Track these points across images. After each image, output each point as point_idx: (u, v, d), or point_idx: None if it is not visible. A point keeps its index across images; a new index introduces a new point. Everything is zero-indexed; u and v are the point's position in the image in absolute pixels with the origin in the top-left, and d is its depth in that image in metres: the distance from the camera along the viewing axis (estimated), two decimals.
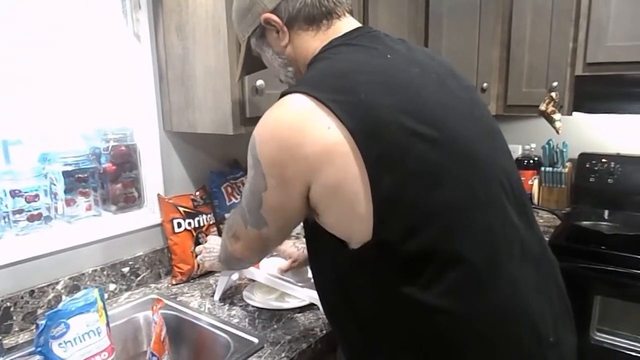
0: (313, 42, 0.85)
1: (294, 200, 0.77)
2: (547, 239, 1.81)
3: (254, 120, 1.22)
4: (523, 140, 2.37)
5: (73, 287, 1.23)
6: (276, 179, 0.76)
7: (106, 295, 1.28)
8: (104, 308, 0.97)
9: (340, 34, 0.84)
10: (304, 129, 0.71)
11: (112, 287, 1.32)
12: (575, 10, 1.88)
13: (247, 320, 1.17)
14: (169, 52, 1.32)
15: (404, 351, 0.76)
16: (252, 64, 1.00)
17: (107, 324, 0.97)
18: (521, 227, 0.80)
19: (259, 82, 1.19)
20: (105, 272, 1.30)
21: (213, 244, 1.19)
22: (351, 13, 0.88)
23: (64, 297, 1.20)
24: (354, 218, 0.72)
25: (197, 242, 1.43)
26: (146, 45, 1.34)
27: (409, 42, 0.87)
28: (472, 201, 0.74)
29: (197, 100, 1.27)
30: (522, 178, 2.23)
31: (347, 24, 0.86)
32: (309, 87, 0.73)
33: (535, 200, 2.25)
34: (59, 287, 1.20)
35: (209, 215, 1.49)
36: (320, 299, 0.92)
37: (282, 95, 0.76)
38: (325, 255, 0.84)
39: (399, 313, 0.75)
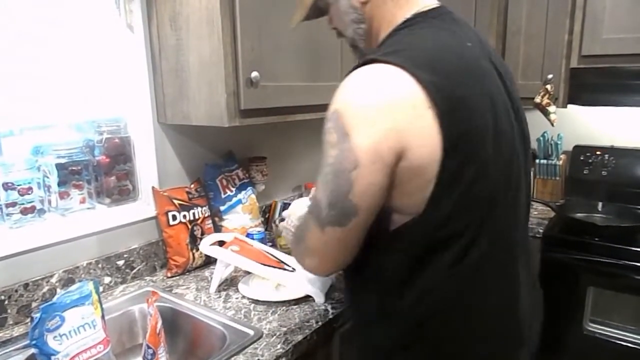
0: (394, 8, 0.83)
1: (385, 177, 0.71)
2: (541, 230, 1.82)
3: (249, 112, 1.23)
4: None
5: (68, 280, 1.22)
6: (369, 151, 0.69)
7: (101, 288, 1.28)
8: (99, 301, 0.97)
9: (422, 9, 0.82)
10: (400, 97, 0.69)
11: (107, 280, 1.31)
12: (571, 3, 1.87)
13: (242, 312, 1.18)
14: (162, 44, 1.31)
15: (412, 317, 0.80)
16: (312, 13, 0.95)
17: (103, 317, 0.97)
18: (524, 229, 0.87)
19: (254, 74, 1.19)
20: (100, 265, 1.29)
21: (292, 224, 1.05)
22: None
23: (58, 290, 1.20)
24: (417, 193, 0.72)
25: (192, 235, 1.43)
26: (139, 36, 1.33)
27: (470, 25, 0.87)
28: (503, 195, 0.78)
29: (191, 91, 1.26)
30: None
31: None
32: (404, 61, 0.70)
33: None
34: (53, 280, 1.19)
35: (204, 208, 1.49)
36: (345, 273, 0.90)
37: (371, 61, 0.73)
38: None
39: (421, 282, 0.77)
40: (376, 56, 0.73)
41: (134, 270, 1.38)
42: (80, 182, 1.28)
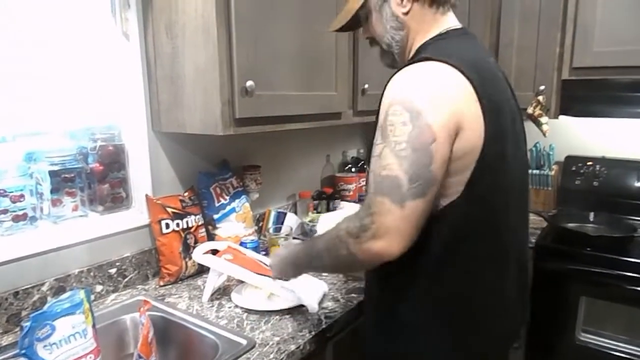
0: (431, 21, 0.97)
1: (448, 151, 0.82)
2: (533, 240, 1.83)
3: (244, 121, 1.23)
4: None
5: (59, 289, 1.21)
6: (442, 125, 0.80)
7: (92, 297, 1.27)
8: (90, 309, 0.96)
9: (453, 27, 0.98)
10: (458, 89, 0.82)
11: (98, 288, 1.30)
12: (562, 16, 1.91)
13: (235, 321, 1.17)
14: (158, 51, 1.32)
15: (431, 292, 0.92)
16: (351, 22, 1.05)
17: (94, 326, 0.96)
18: (525, 233, 1.03)
19: (249, 83, 1.19)
20: (91, 274, 1.28)
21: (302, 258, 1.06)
22: (454, 7, 1.01)
23: (49, 298, 1.18)
24: (459, 174, 0.84)
25: (185, 243, 1.42)
26: (135, 44, 1.33)
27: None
28: (518, 190, 0.95)
29: (186, 100, 1.26)
30: None
31: (453, 17, 1.00)
32: (456, 62, 0.83)
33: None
34: (44, 288, 1.18)
35: (197, 216, 1.49)
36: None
37: (426, 59, 0.85)
38: None
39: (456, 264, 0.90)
40: (431, 55, 0.86)
41: (126, 279, 1.37)
42: (73, 190, 1.27)
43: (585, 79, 1.89)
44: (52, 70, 1.23)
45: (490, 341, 0.96)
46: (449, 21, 0.98)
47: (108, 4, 1.29)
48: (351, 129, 2.29)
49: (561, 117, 2.04)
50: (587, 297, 1.73)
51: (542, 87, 1.96)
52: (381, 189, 0.82)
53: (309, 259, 1.01)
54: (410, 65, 0.86)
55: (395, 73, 0.88)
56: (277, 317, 1.19)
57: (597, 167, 2.16)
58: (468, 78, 0.82)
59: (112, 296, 1.32)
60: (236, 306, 1.24)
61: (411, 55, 1.00)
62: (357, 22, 1.05)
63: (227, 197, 1.56)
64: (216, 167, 1.62)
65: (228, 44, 1.17)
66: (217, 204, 1.54)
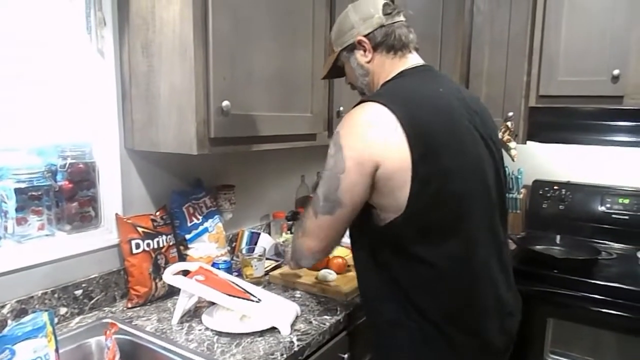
0: (389, 65, 1.15)
1: (365, 179, 0.98)
2: None
3: (219, 141, 1.23)
4: None
5: (20, 311, 1.16)
6: (354, 160, 0.98)
7: (56, 320, 1.22)
8: (54, 333, 0.92)
9: (410, 66, 1.14)
10: (379, 125, 0.98)
11: (63, 310, 1.26)
12: (529, 46, 2.00)
13: (205, 344, 1.15)
14: (133, 70, 1.31)
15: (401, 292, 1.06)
16: (335, 71, 1.27)
17: (57, 350, 0.92)
18: (501, 232, 1.14)
19: (225, 103, 1.20)
20: (56, 295, 1.24)
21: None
22: (417, 50, 1.18)
23: (9, 321, 1.13)
24: (397, 195, 0.98)
25: (156, 264, 1.39)
26: (110, 62, 1.32)
27: (452, 79, 1.24)
28: (465, 200, 1.03)
29: (160, 119, 1.26)
30: None
31: (414, 58, 1.16)
32: (386, 100, 1.00)
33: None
34: (4, 310, 1.13)
35: (169, 236, 1.46)
36: (356, 265, 1.17)
37: (364, 101, 1.03)
38: (363, 228, 1.09)
39: (407, 266, 1.04)
40: (365, 97, 1.07)
41: (93, 301, 1.33)
42: (40, 208, 1.23)
43: (550, 106, 1.98)
44: (22, 85, 1.21)
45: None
46: (408, 62, 1.15)
47: (83, 21, 1.28)
48: (326, 150, 2.30)
49: (529, 142, 2.12)
50: (554, 318, 1.77)
51: (510, 114, 2.03)
52: (312, 201, 1.10)
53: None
54: (353, 109, 1.05)
55: None
56: (249, 339, 1.17)
57: (563, 191, 2.24)
58: (395, 114, 0.97)
59: (77, 319, 1.27)
60: (207, 329, 1.22)
61: None
62: (341, 70, 1.26)
63: (200, 217, 1.54)
64: (190, 186, 1.61)
65: (205, 65, 1.18)
66: (189, 224, 1.52)
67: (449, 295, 1.03)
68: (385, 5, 1.15)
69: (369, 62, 1.16)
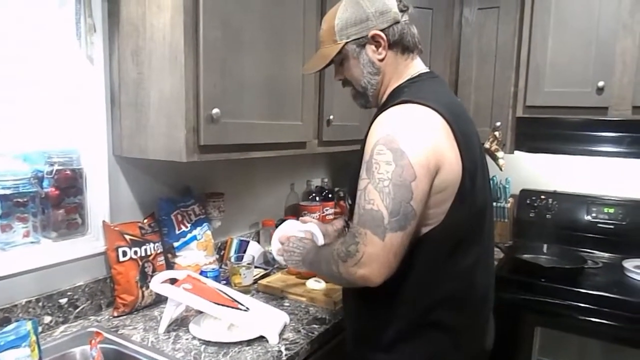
0: (402, 66, 1.09)
1: (428, 187, 0.91)
2: None
3: (208, 148, 1.23)
4: None
5: (3, 320, 1.14)
6: (422, 166, 0.89)
7: (40, 329, 1.20)
8: (37, 342, 0.91)
9: (423, 70, 1.10)
10: (437, 128, 0.93)
11: (47, 319, 1.24)
12: (516, 57, 2.03)
13: (192, 354, 1.13)
14: (123, 77, 1.31)
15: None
16: (329, 63, 1.14)
17: (40, 359, 0.91)
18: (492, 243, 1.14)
19: (215, 111, 1.20)
20: (40, 304, 1.22)
21: (293, 247, 1.21)
22: (421, 53, 1.13)
23: None
24: (440, 205, 0.94)
25: (143, 272, 1.38)
26: (99, 68, 1.32)
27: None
28: (489, 209, 1.07)
29: (149, 126, 1.25)
30: None
31: (420, 62, 1.12)
32: (432, 103, 0.94)
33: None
34: None
35: (156, 244, 1.45)
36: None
37: (405, 102, 0.96)
38: None
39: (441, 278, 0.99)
40: (409, 98, 0.97)
41: (78, 309, 1.31)
42: (25, 215, 1.22)
43: (537, 117, 2.01)
44: (9, 90, 1.19)
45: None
46: (418, 65, 1.10)
47: (73, 27, 1.27)
48: (316, 158, 2.32)
49: (516, 152, 2.14)
50: (542, 327, 1.78)
51: (498, 123, 2.06)
52: (364, 222, 0.90)
53: (314, 258, 1.12)
54: (393, 108, 0.96)
55: (379, 114, 0.99)
56: (237, 349, 1.16)
57: (550, 200, 2.27)
58: (445, 118, 0.93)
59: (62, 327, 1.25)
60: (194, 338, 1.21)
61: (385, 96, 1.10)
62: (332, 63, 1.14)
63: (189, 225, 1.53)
64: (178, 194, 1.60)
65: (195, 72, 1.18)
66: (177, 232, 1.51)
67: (464, 304, 1.02)
68: (399, 0, 1.08)
69: (381, 60, 1.08)
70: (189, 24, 1.15)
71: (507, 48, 2.05)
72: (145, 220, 1.46)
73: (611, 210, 2.14)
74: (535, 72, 1.97)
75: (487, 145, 2.04)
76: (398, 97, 1.01)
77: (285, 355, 1.14)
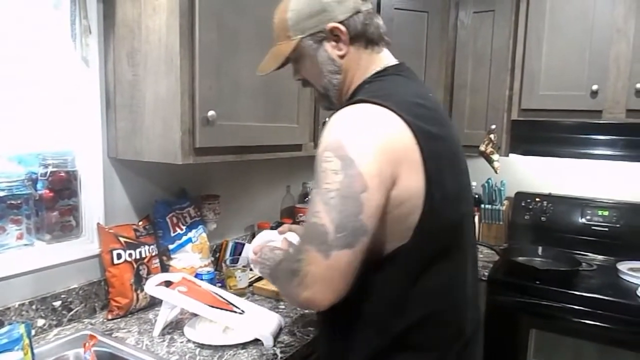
0: (366, 62, 0.95)
1: (385, 200, 0.79)
2: (486, 274, 1.88)
3: (204, 150, 1.23)
4: None
5: None
6: (375, 176, 0.77)
7: (33, 332, 1.19)
8: (30, 345, 0.90)
9: (390, 64, 0.96)
10: (393, 132, 0.80)
11: (40, 322, 1.23)
12: (511, 61, 2.04)
13: (187, 357, 1.13)
14: (118, 79, 1.30)
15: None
16: (284, 62, 1.01)
17: None
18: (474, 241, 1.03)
19: (211, 113, 1.20)
20: (33, 306, 1.21)
21: (264, 258, 1.03)
22: (388, 45, 0.99)
23: None
24: (403, 220, 0.81)
25: (138, 274, 1.37)
26: (94, 70, 1.31)
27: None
28: (466, 221, 0.92)
29: (145, 128, 1.25)
30: None
31: (388, 54, 0.98)
32: (391, 104, 0.81)
33: (476, 236, 2.35)
34: None
35: (151, 246, 1.44)
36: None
37: (361, 101, 0.83)
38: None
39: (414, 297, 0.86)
40: (365, 97, 0.84)
41: (72, 312, 1.30)
42: (19, 217, 1.21)
43: (532, 120, 2.02)
44: (3, 92, 1.19)
45: None
46: (385, 58, 0.97)
47: (68, 28, 1.27)
48: (312, 160, 2.30)
49: (511, 155, 2.16)
50: (537, 329, 1.78)
51: (493, 126, 2.07)
52: (308, 237, 0.80)
53: (273, 274, 0.97)
54: (345, 109, 0.84)
55: (332, 115, 0.85)
56: (232, 352, 1.15)
57: (545, 203, 2.28)
58: (404, 119, 0.80)
59: (55, 331, 1.24)
60: (189, 341, 1.20)
61: (349, 95, 0.97)
62: (288, 62, 1.01)
63: (184, 227, 1.53)
64: (174, 196, 1.59)
65: (191, 75, 1.18)
66: (172, 234, 1.50)
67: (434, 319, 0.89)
68: None
69: (343, 56, 0.94)
70: (185, 26, 1.15)
71: (502, 51, 2.06)
72: (140, 223, 1.46)
73: (605, 213, 2.15)
74: (530, 75, 1.98)
75: (482, 148, 2.05)
76: (357, 95, 0.90)
77: (281, 358, 1.14)
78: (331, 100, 1.00)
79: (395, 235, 0.82)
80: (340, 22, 0.91)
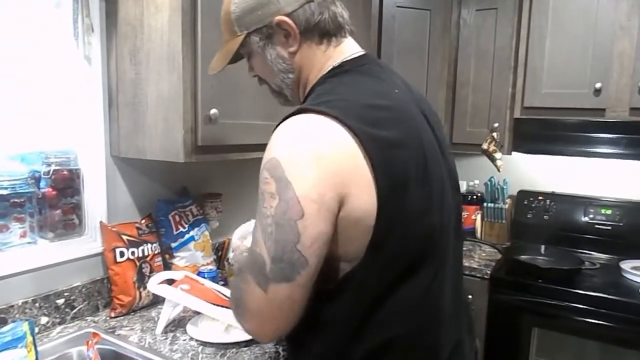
0: (322, 57, 0.85)
1: (330, 226, 0.70)
2: (489, 272, 1.88)
3: (206, 149, 1.23)
4: (467, 176, 2.48)
5: (0, 321, 1.14)
6: (314, 201, 0.68)
7: (37, 329, 1.20)
8: (34, 343, 0.90)
9: (349, 57, 0.85)
10: (336, 147, 0.69)
11: (44, 320, 1.23)
12: (514, 59, 2.03)
13: (190, 355, 1.13)
14: (120, 77, 1.30)
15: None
16: (235, 57, 0.93)
17: None
18: (457, 254, 0.90)
19: (213, 111, 1.20)
20: (37, 304, 1.22)
21: (236, 259, 1.01)
22: (352, 34, 0.88)
23: None
24: (359, 239, 0.72)
25: (140, 273, 1.37)
26: (97, 68, 1.31)
27: (395, 71, 0.90)
28: (438, 233, 0.80)
29: (147, 126, 1.25)
30: (467, 213, 2.33)
31: (350, 45, 0.87)
32: (337, 111, 0.71)
33: (478, 235, 2.35)
34: None
35: (154, 245, 1.45)
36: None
37: (303, 111, 0.73)
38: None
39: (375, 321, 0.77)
40: (308, 106, 0.74)
41: (75, 310, 1.30)
42: (22, 215, 1.21)
43: (535, 118, 2.01)
44: (6, 90, 1.19)
45: None
46: (345, 50, 0.86)
47: (71, 27, 1.27)
48: None
49: (514, 153, 2.15)
50: (539, 328, 1.78)
51: (496, 125, 2.06)
52: (249, 265, 0.74)
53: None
54: (286, 122, 0.75)
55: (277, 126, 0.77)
56: (234, 350, 1.16)
57: (547, 201, 2.27)
58: (352, 130, 0.70)
59: (59, 328, 1.25)
60: (191, 339, 1.20)
61: (306, 93, 0.88)
62: (241, 57, 0.94)
63: (186, 225, 1.53)
64: (176, 194, 1.59)
65: (193, 73, 1.18)
66: (175, 232, 1.50)
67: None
68: None
69: (294, 53, 0.84)
70: (187, 24, 1.15)
71: (505, 49, 2.05)
72: (143, 221, 1.46)
73: (608, 212, 2.15)
74: (533, 73, 1.98)
75: (485, 146, 2.04)
76: (309, 97, 0.83)
77: (283, 356, 1.14)
78: (287, 97, 0.93)
79: (350, 257, 0.74)
80: (288, 15, 0.81)
